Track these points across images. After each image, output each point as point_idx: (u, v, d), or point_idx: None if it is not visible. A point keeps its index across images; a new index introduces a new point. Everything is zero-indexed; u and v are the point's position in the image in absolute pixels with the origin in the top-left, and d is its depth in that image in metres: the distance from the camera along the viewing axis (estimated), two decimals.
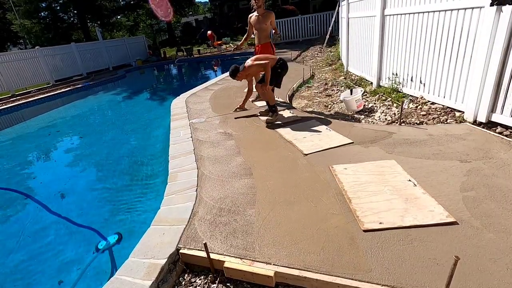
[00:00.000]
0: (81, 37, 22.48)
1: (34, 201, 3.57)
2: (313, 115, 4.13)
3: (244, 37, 4.75)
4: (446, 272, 1.28)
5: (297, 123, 3.76)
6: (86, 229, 2.86)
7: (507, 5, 2.58)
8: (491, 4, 2.70)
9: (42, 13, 21.22)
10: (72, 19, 22.45)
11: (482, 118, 3.02)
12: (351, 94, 4.27)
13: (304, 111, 4.40)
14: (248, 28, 4.59)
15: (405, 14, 4.00)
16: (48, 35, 21.08)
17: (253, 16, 4.47)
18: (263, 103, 4.51)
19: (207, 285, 1.72)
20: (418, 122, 3.43)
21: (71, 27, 22.64)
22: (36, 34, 21.71)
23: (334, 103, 4.74)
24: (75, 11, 21.08)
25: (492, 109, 2.94)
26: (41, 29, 21.37)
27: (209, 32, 17.18)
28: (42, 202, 3.50)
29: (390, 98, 4.24)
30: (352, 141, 3.03)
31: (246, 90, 4.53)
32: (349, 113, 4.16)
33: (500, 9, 2.65)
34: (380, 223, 1.82)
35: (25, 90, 10.98)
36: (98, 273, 2.29)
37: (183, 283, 1.76)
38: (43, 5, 20.82)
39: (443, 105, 3.60)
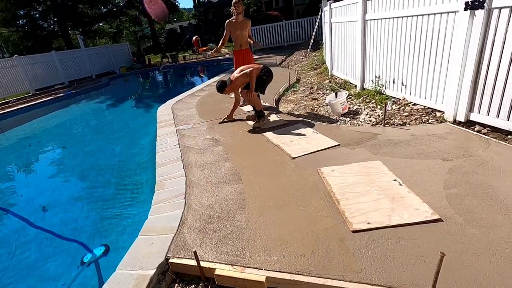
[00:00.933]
0: (62, 45, 21.93)
1: (14, 215, 3.42)
2: (300, 118, 4.18)
3: (221, 42, 4.75)
4: (433, 269, 1.31)
5: (284, 127, 3.79)
6: (70, 242, 2.76)
7: (480, 9, 2.71)
8: (465, 9, 2.82)
9: (20, 21, 20.60)
10: (52, 26, 21.88)
11: (461, 118, 3.13)
12: (336, 97, 4.35)
13: (291, 115, 4.45)
14: (225, 33, 4.64)
15: (385, 18, 4.13)
16: (27, 43, 20.48)
17: (232, 22, 4.56)
18: (250, 107, 4.53)
19: None
20: (401, 123, 3.52)
21: (51, 35, 22.05)
22: (14, 43, 21.06)
23: (320, 106, 4.81)
24: (55, 19, 20.58)
25: (470, 109, 3.06)
26: (19, 37, 20.75)
27: (194, 38, 17.14)
28: (23, 215, 3.36)
29: (374, 100, 4.34)
30: (338, 143, 3.08)
31: (233, 95, 4.53)
32: (335, 116, 4.23)
33: (474, 13, 2.78)
34: (368, 223, 1.84)
35: (3, 100, 10.59)
36: None
37: None
38: (21, 12, 20.22)
39: (425, 106, 3.71)
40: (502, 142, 2.64)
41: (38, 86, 11.87)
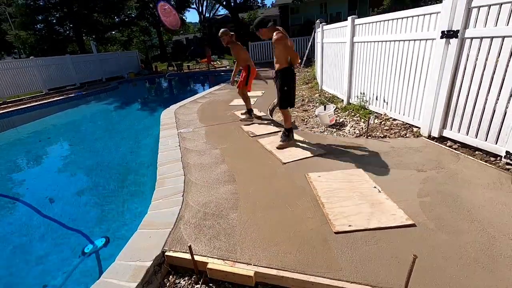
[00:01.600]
0: (76, 49, 21.67)
1: (21, 205, 3.33)
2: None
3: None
4: (406, 269, 1.32)
5: (277, 135, 3.80)
6: (72, 233, 2.69)
7: (454, 38, 2.79)
8: (441, 37, 2.90)
9: (38, 25, 20.34)
10: (68, 32, 21.65)
11: (435, 134, 3.19)
12: (325, 109, 4.39)
13: (283, 124, 4.46)
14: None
15: (371, 42, 4.21)
16: (43, 46, 20.17)
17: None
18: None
19: (190, 285, 1.67)
20: (382, 135, 3.57)
21: (66, 39, 21.78)
22: (31, 45, 20.74)
23: (310, 118, 4.85)
24: (71, 25, 20.38)
25: (443, 126, 3.12)
26: (36, 40, 20.44)
27: (208, 52, 16.74)
28: (28, 206, 3.28)
29: (358, 114, 4.39)
30: (325, 152, 3.10)
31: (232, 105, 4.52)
32: (323, 127, 4.26)
33: (449, 41, 2.86)
34: (350, 225, 1.85)
35: (17, 97, 10.38)
36: (84, 277, 2.15)
37: (167, 284, 1.69)
38: (39, 17, 19.98)
39: (403, 122, 3.77)
40: (470, 157, 2.70)
41: (51, 86, 11.67)
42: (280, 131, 3.95)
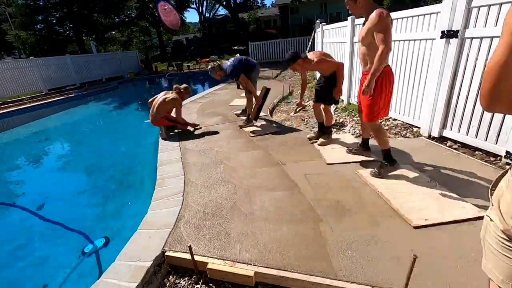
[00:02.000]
0: (76, 49, 21.66)
1: (20, 205, 3.33)
2: (292, 127, 4.19)
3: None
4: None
5: (277, 135, 3.81)
6: (72, 233, 2.69)
7: (454, 38, 2.79)
8: (441, 37, 2.90)
9: (38, 25, 20.32)
10: (68, 32, 21.63)
11: (435, 133, 3.19)
12: None
13: (283, 124, 4.46)
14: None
15: None
16: (43, 46, 20.16)
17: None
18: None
19: (190, 286, 1.67)
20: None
21: (66, 39, 21.77)
22: (31, 45, 20.72)
23: (309, 118, 4.84)
24: (71, 25, 20.36)
25: (443, 126, 3.12)
26: (36, 40, 20.42)
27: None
28: (28, 206, 3.27)
29: (358, 114, 4.39)
30: (318, 149, 3.10)
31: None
32: None
33: (449, 41, 2.86)
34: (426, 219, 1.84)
35: (17, 97, 10.38)
36: (84, 277, 2.15)
37: (167, 284, 1.69)
38: (39, 18, 19.97)
39: (403, 121, 3.77)
40: (470, 157, 2.70)
41: (51, 86, 11.67)
42: (280, 131, 3.95)
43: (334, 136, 3.54)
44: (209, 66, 4.18)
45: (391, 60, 3.81)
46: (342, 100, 5.28)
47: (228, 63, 4.16)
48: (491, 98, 0.62)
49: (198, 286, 1.65)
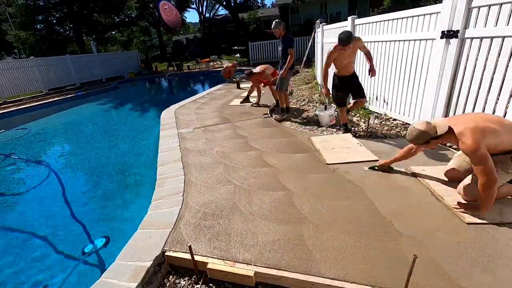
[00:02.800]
0: (76, 49, 21.64)
1: (21, 204, 3.33)
2: (292, 127, 4.19)
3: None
4: None
5: (281, 138, 3.81)
6: (72, 233, 2.69)
7: (454, 38, 2.79)
8: (441, 37, 2.90)
9: (38, 25, 20.31)
10: (68, 32, 21.61)
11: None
12: (325, 110, 4.38)
13: (283, 123, 4.46)
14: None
15: (370, 42, 4.21)
16: (43, 46, 20.15)
17: None
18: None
19: (190, 285, 1.67)
20: (382, 135, 3.57)
21: (66, 39, 21.74)
22: (31, 45, 20.71)
23: (310, 117, 4.84)
24: (71, 25, 20.36)
25: None
26: (36, 40, 20.41)
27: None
28: (28, 206, 3.28)
29: (358, 114, 4.39)
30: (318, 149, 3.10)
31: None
32: (323, 126, 4.25)
33: (449, 41, 2.86)
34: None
35: (17, 97, 10.39)
36: (84, 277, 2.15)
37: (167, 284, 1.69)
38: (39, 18, 19.96)
39: (403, 122, 3.77)
40: None
41: (51, 86, 11.68)
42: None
43: (333, 136, 3.53)
44: (276, 20, 4.44)
45: (391, 60, 3.81)
46: None
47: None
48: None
49: (198, 286, 1.65)
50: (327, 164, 2.81)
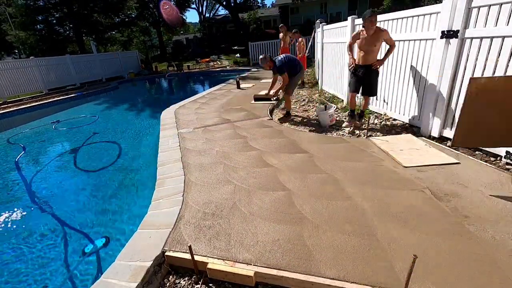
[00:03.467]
0: (76, 49, 21.64)
1: (21, 203, 3.33)
2: (293, 127, 4.19)
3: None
4: None
5: (281, 138, 3.81)
6: (73, 233, 2.69)
7: (454, 38, 2.79)
8: (441, 37, 2.90)
9: (38, 26, 20.31)
10: (68, 32, 21.61)
11: (435, 133, 3.19)
12: (325, 109, 4.39)
13: (282, 125, 4.46)
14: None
15: None
16: (43, 46, 20.15)
17: None
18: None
19: (190, 285, 1.67)
20: (381, 135, 3.56)
21: (66, 40, 21.74)
22: (31, 45, 20.71)
23: (310, 117, 4.84)
24: (71, 25, 20.36)
25: (443, 126, 3.12)
26: (36, 41, 20.41)
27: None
28: (28, 206, 3.28)
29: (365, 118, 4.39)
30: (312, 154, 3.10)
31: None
32: (323, 126, 4.26)
33: (449, 41, 2.86)
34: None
35: (17, 97, 10.39)
36: (84, 277, 2.15)
37: (167, 284, 1.70)
38: (40, 18, 19.96)
39: (403, 122, 3.77)
40: (470, 157, 2.70)
41: (51, 86, 11.68)
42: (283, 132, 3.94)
43: (333, 134, 3.53)
44: (261, 56, 4.58)
45: (391, 60, 3.81)
46: (342, 100, 5.28)
47: (279, 58, 4.56)
48: None
49: (198, 286, 1.66)
50: (404, 167, 2.59)
